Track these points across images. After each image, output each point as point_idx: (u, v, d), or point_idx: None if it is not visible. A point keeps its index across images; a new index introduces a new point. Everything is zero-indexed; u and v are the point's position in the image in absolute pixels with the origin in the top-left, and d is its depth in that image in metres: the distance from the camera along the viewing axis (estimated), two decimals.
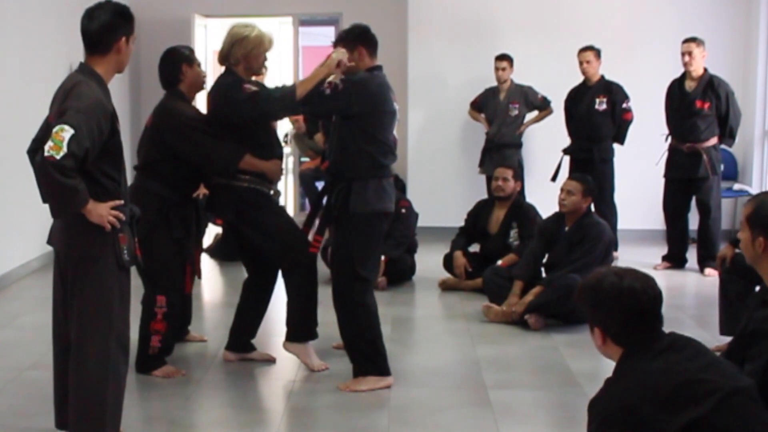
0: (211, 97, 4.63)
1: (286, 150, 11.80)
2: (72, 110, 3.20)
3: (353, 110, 4.38)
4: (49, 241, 3.56)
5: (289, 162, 11.23)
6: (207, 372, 4.80)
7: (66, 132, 3.14)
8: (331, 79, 4.39)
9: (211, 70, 11.40)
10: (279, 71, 13.87)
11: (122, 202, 3.42)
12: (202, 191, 5.35)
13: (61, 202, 3.28)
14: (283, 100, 4.43)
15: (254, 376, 4.84)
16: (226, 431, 4.11)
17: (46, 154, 3.13)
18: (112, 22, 3.39)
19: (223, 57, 4.67)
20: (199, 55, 10.25)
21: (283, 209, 4.93)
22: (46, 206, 3.41)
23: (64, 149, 3.12)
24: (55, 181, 3.15)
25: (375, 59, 4.54)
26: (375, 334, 4.54)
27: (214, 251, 7.89)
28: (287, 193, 10.76)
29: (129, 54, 3.50)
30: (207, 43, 10.88)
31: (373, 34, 4.58)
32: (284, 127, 12.51)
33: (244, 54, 4.60)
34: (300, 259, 4.62)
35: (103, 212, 3.31)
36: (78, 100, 3.25)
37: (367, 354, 4.54)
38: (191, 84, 4.74)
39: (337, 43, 4.56)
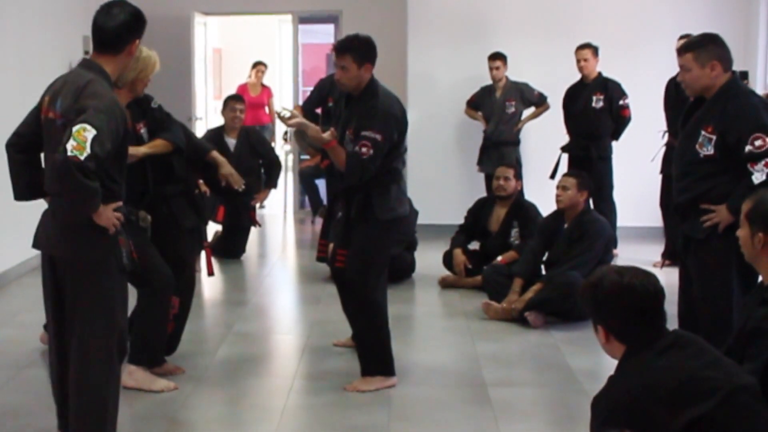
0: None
1: (287, 147, 11.82)
2: (92, 109, 3.08)
3: (396, 140, 4.40)
4: (37, 245, 3.43)
5: (289, 159, 11.24)
6: (206, 370, 4.80)
7: (89, 132, 3.01)
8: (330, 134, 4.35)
9: (210, 68, 11.41)
10: (279, 69, 13.90)
11: (121, 203, 3.35)
12: (203, 188, 5.33)
13: (80, 205, 3.13)
14: None
15: (254, 373, 4.84)
16: (226, 429, 4.11)
17: (69, 153, 2.97)
18: (130, 23, 3.31)
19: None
20: (198, 53, 10.32)
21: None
22: (44, 204, 3.37)
23: (88, 150, 2.98)
24: (78, 182, 3.00)
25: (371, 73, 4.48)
26: (386, 334, 4.55)
27: (214, 249, 7.88)
28: (287, 191, 10.77)
29: (133, 58, 3.46)
30: (207, 41, 10.88)
31: (375, 49, 4.46)
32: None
33: (134, 77, 4.24)
34: (153, 281, 4.36)
35: (110, 215, 3.24)
36: (97, 99, 3.14)
37: (378, 353, 4.54)
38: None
39: (346, 52, 4.38)
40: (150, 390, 4.41)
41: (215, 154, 4.82)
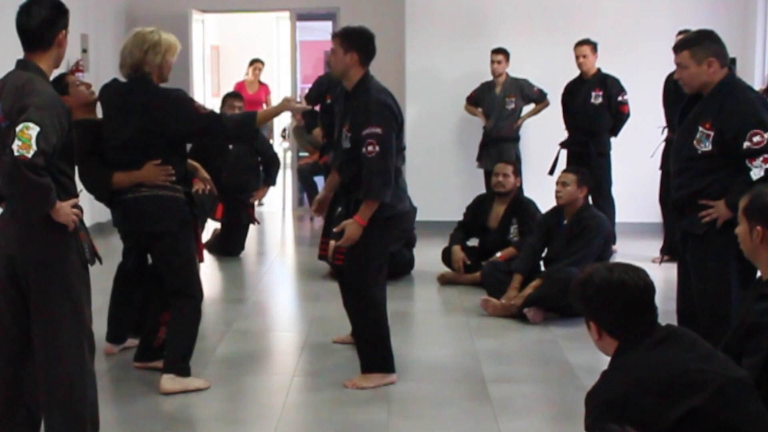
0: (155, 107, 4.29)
1: (285, 145, 11.82)
2: (33, 107, 3.10)
3: (396, 134, 4.38)
4: None
5: (287, 157, 11.23)
6: (206, 367, 4.80)
7: (32, 129, 3.03)
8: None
9: (208, 66, 11.40)
10: (277, 66, 13.89)
11: (79, 200, 3.34)
12: (200, 186, 5.33)
13: (35, 203, 3.14)
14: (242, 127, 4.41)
15: (253, 371, 4.84)
16: (226, 426, 4.11)
17: (16, 153, 2.99)
18: (52, 17, 3.30)
19: (136, 65, 4.34)
20: (196, 50, 10.32)
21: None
22: None
23: (34, 147, 3.00)
24: (30, 180, 3.02)
25: (366, 68, 4.43)
26: (386, 331, 4.55)
27: (213, 246, 7.89)
28: (285, 188, 10.76)
29: (66, 47, 3.41)
30: (204, 39, 10.88)
31: (374, 45, 4.44)
32: (283, 121, 12.51)
33: (160, 61, 4.34)
34: (195, 293, 4.48)
35: (68, 211, 3.22)
36: (36, 96, 3.15)
37: (377, 350, 4.54)
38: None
39: (336, 35, 4.46)
40: (197, 389, 4.42)
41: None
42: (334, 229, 4.44)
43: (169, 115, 4.27)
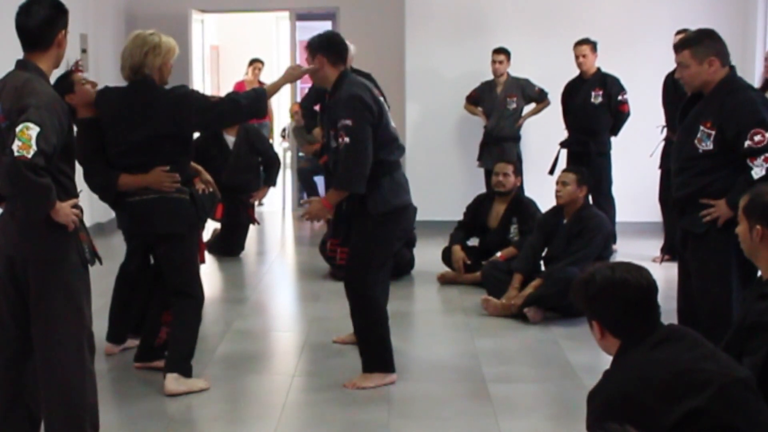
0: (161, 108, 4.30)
1: (285, 144, 11.81)
2: (33, 107, 3.10)
3: (373, 127, 4.35)
4: None
5: (287, 157, 11.23)
6: (206, 367, 4.80)
7: (32, 130, 3.03)
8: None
9: (208, 66, 11.40)
10: (277, 66, 13.89)
11: (79, 200, 3.34)
12: (201, 186, 5.32)
13: (35, 203, 3.14)
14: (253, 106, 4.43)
15: (253, 371, 4.84)
16: (226, 426, 4.11)
17: (16, 153, 2.99)
18: (51, 17, 3.30)
19: (137, 67, 4.33)
20: (196, 50, 10.32)
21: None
22: None
23: (34, 147, 3.01)
24: (30, 180, 3.02)
25: (341, 66, 4.46)
26: (386, 331, 4.55)
27: (213, 246, 7.89)
28: (285, 188, 10.76)
29: (65, 47, 3.40)
30: (204, 38, 10.87)
31: (337, 42, 4.48)
32: (283, 121, 12.52)
33: (160, 63, 4.36)
34: (197, 294, 4.51)
35: (68, 211, 3.23)
36: (36, 96, 3.15)
37: (377, 349, 4.54)
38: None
39: (305, 50, 4.52)
40: (201, 390, 4.43)
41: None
42: (300, 208, 4.48)
43: (184, 112, 4.29)
